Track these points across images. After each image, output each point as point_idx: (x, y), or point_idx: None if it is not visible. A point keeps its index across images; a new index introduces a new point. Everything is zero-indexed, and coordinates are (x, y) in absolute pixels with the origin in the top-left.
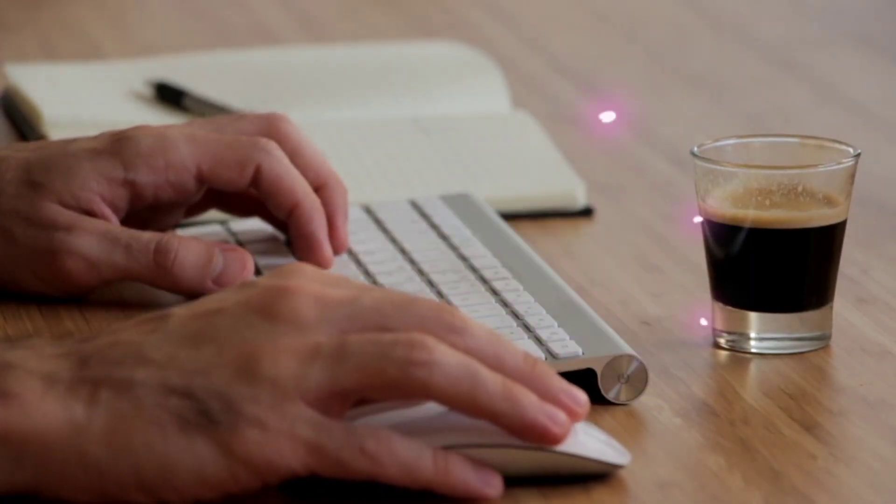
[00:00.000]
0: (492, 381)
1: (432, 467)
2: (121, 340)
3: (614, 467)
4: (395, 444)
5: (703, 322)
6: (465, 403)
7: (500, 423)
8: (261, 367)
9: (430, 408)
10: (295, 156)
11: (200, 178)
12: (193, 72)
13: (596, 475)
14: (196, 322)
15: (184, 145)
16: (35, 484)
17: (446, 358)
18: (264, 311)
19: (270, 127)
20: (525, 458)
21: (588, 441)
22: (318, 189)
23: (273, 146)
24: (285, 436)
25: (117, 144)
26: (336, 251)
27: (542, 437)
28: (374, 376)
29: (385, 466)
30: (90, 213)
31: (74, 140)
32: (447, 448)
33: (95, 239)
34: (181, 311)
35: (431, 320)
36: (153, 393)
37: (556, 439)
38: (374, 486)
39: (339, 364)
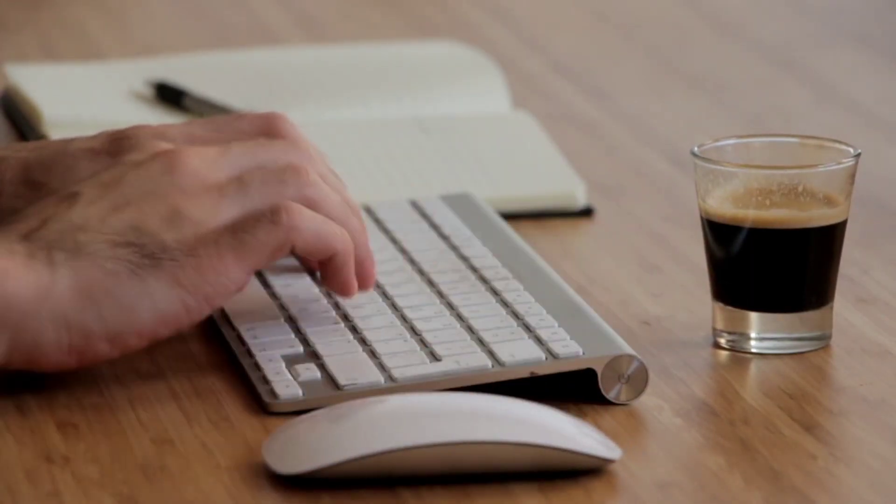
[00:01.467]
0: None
1: (341, 239)
2: (47, 218)
3: (605, 462)
4: (305, 213)
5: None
6: (327, 222)
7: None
8: (181, 212)
9: (428, 400)
10: None
11: None
12: (193, 72)
13: (593, 473)
14: (109, 193)
15: None
16: (8, 353)
17: (322, 186)
18: (164, 170)
19: (269, 127)
20: (519, 454)
21: (580, 437)
22: None
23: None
24: (217, 256)
25: (116, 144)
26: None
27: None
28: (276, 197)
29: (301, 232)
30: None
31: (73, 139)
32: (440, 445)
33: None
34: (87, 189)
35: (288, 149)
36: (103, 248)
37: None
38: (371, 484)
39: (244, 194)
